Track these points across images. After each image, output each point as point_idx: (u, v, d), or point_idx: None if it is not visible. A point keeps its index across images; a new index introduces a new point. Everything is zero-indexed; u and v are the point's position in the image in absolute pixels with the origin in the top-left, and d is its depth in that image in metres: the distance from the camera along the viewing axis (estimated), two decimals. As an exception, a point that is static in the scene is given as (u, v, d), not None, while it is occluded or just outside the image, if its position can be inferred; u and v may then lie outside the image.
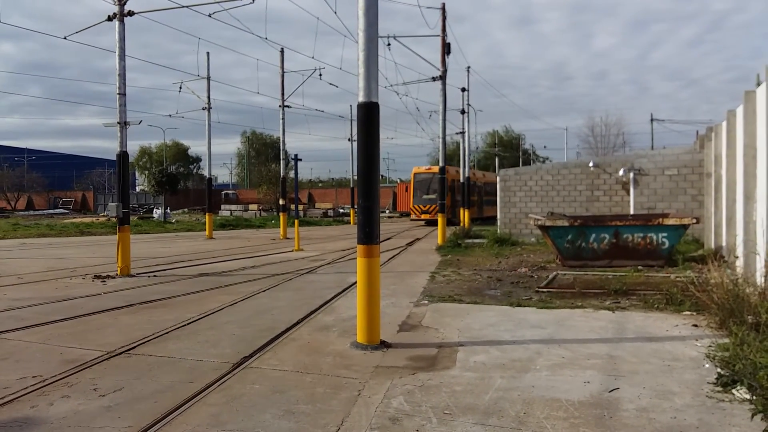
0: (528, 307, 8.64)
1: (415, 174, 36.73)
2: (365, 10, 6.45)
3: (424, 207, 34.50)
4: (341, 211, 53.28)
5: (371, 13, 6.47)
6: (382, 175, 77.99)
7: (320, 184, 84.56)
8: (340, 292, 10.29)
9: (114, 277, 12.78)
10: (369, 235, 6.50)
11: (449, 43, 22.01)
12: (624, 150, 61.95)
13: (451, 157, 46.23)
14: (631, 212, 17.92)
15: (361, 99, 6.50)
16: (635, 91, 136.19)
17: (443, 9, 22.01)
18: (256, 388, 5.20)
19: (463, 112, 32.08)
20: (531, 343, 6.52)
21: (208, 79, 26.99)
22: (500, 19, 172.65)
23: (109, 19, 13.66)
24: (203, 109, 27.43)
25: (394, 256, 16.90)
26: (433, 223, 32.79)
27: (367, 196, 6.52)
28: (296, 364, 5.92)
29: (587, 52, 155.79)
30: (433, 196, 32.43)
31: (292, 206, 27.83)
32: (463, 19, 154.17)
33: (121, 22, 13.54)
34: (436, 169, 34.19)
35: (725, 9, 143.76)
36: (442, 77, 21.76)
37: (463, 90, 32.06)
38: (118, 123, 13.66)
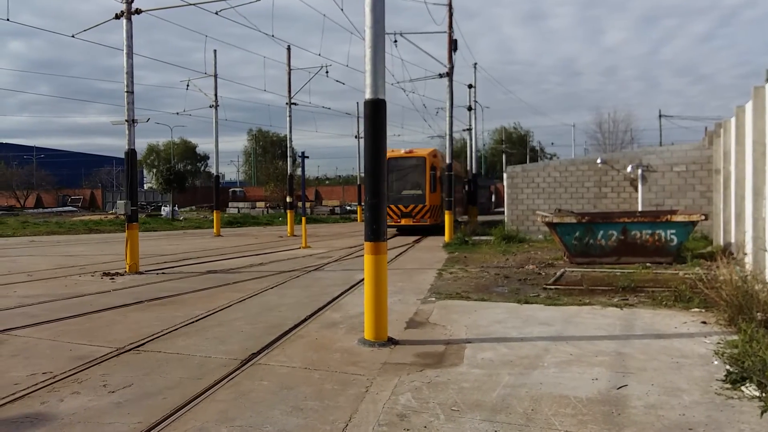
0: (535, 304, 8.63)
1: (388, 160, 22.40)
2: (372, 6, 6.44)
3: (405, 208, 24.50)
4: (348, 208, 53.28)
5: (378, 9, 6.47)
6: (389, 172, 77.64)
7: (327, 182, 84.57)
8: (348, 289, 10.30)
9: (123, 275, 12.85)
10: (376, 232, 6.50)
11: (456, 40, 21.95)
12: (632, 146, 61.67)
13: (458, 153, 45.94)
14: (639, 209, 17.84)
15: (368, 96, 6.50)
16: (645, 86, 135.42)
17: (450, 5, 21.94)
18: (264, 384, 5.22)
19: (470, 108, 32.05)
20: (539, 340, 6.51)
21: (215, 76, 27.04)
22: (510, 14, 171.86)
23: (117, 17, 13.71)
24: (210, 106, 27.48)
25: (401, 253, 16.90)
26: (416, 231, 24.62)
27: (374, 193, 6.51)
28: (304, 360, 5.94)
29: (597, 48, 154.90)
30: (419, 192, 24.61)
31: (299, 203, 27.89)
32: (472, 14, 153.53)
33: (129, 20, 13.59)
34: (420, 152, 25.56)
35: (736, 4, 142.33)
36: (449, 74, 21.71)
37: (470, 87, 32.03)
38: (126, 121, 13.72)
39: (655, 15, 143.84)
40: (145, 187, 77.15)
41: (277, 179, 51.32)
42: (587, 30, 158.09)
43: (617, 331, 6.89)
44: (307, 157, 20.94)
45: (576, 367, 5.50)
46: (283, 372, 5.58)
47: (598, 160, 19.36)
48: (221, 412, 4.54)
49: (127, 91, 13.68)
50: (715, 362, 5.53)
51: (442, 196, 24.10)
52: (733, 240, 12.23)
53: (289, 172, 28.21)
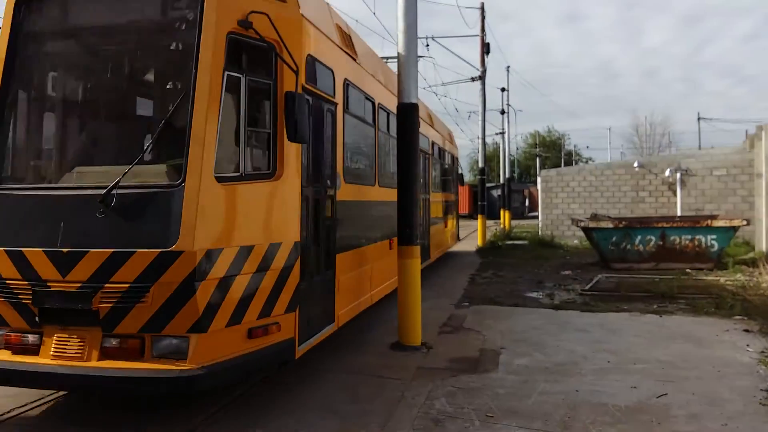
0: (571, 310, 8.49)
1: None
2: (404, 11, 6.47)
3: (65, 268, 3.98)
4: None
5: (410, 14, 6.49)
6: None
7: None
8: (380, 294, 10.30)
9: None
10: (409, 236, 6.50)
11: (488, 43, 21.86)
12: (670, 150, 60.32)
13: (491, 158, 45.53)
14: (678, 214, 17.44)
15: (400, 100, 6.52)
16: (686, 88, 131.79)
17: (482, 8, 21.87)
18: (299, 387, 5.25)
19: (502, 112, 31.78)
20: (575, 347, 6.41)
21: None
22: (547, 16, 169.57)
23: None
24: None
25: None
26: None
27: (406, 196, 6.52)
28: (339, 364, 5.96)
29: (637, 49, 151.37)
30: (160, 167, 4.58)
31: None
32: (507, 17, 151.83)
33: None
34: None
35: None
36: (482, 77, 21.61)
37: (503, 90, 31.76)
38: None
39: (698, 14, 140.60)
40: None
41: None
42: (627, 31, 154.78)
43: (656, 339, 6.74)
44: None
45: (614, 375, 5.40)
46: (317, 375, 5.61)
47: (635, 164, 18.99)
48: (257, 414, 4.58)
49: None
50: (760, 371, 5.37)
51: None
52: (777, 246, 11.87)
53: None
